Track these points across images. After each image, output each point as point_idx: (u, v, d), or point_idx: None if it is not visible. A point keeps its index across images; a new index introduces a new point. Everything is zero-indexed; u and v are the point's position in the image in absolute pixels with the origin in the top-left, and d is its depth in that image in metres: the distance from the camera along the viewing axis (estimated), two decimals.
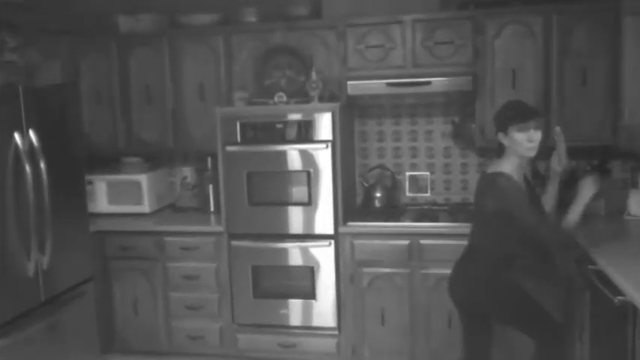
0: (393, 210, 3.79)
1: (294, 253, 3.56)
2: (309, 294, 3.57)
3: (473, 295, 2.73)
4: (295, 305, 3.61)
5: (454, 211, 3.69)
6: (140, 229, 3.76)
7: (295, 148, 3.48)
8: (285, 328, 3.64)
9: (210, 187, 4.02)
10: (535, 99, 3.47)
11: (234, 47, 3.79)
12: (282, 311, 3.62)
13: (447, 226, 3.44)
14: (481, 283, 2.68)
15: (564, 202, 3.73)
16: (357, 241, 3.49)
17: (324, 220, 3.49)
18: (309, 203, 3.49)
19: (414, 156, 4.01)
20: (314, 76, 3.53)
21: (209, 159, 3.98)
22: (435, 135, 3.97)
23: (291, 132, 3.50)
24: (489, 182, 2.65)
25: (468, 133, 3.73)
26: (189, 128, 3.91)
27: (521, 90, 3.47)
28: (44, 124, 2.92)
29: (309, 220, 3.51)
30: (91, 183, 3.89)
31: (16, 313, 2.75)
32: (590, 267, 2.72)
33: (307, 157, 3.47)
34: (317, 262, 3.53)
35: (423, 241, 3.41)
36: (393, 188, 3.95)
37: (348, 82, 3.56)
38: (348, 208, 3.69)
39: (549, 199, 2.84)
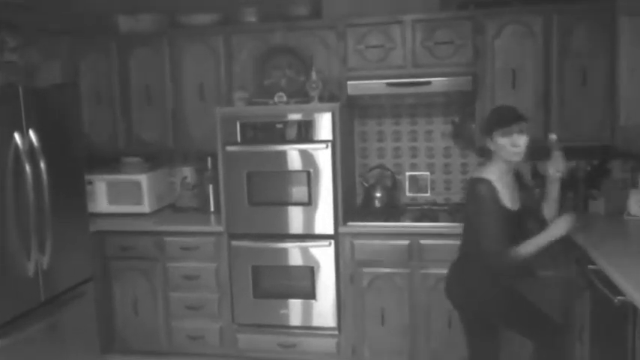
0: (393, 210, 3.79)
1: (294, 253, 3.56)
2: (309, 294, 3.57)
3: (469, 297, 2.72)
4: (295, 305, 3.61)
5: (454, 211, 3.69)
6: (140, 229, 3.76)
7: (295, 148, 3.48)
8: (285, 328, 3.64)
9: (210, 187, 4.03)
10: (535, 99, 3.48)
11: (234, 47, 3.79)
12: (282, 311, 3.62)
13: (447, 226, 3.43)
14: (475, 285, 2.67)
15: (563, 205, 3.76)
16: (357, 241, 3.49)
17: (324, 220, 3.49)
18: (309, 203, 3.49)
19: (414, 156, 4.01)
20: (314, 76, 3.53)
21: (209, 159, 3.99)
22: (435, 135, 3.97)
23: (291, 132, 3.50)
24: (471, 187, 2.67)
25: (468, 133, 3.73)
26: (189, 128, 3.91)
27: (521, 90, 3.48)
28: (44, 124, 2.92)
29: (309, 220, 3.51)
30: (91, 183, 3.90)
31: (16, 313, 2.75)
32: (590, 267, 2.72)
33: (307, 157, 3.47)
34: (317, 262, 3.53)
35: (423, 241, 3.41)
36: (393, 188, 3.95)
37: (348, 82, 3.56)
38: (348, 208, 3.69)
39: (552, 203, 2.83)
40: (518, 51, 3.46)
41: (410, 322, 3.49)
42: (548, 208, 2.83)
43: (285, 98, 3.54)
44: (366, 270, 3.50)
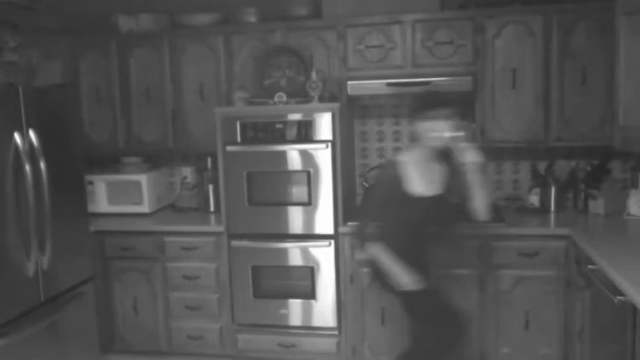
0: None
1: (294, 253, 3.56)
2: (309, 294, 3.57)
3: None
4: (295, 305, 3.61)
5: None
6: (140, 229, 3.76)
7: (295, 148, 3.48)
8: (285, 328, 3.64)
9: (210, 187, 4.03)
10: (535, 99, 3.48)
11: (234, 47, 3.79)
12: (282, 311, 3.62)
13: None
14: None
15: (563, 205, 3.77)
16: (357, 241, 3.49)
17: (324, 220, 3.49)
18: (309, 203, 3.49)
19: None
20: (314, 76, 3.53)
21: (209, 159, 3.99)
22: None
23: (291, 132, 3.50)
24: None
25: (468, 133, 3.73)
26: (189, 128, 3.92)
27: (521, 90, 3.48)
28: (44, 124, 2.92)
29: (309, 220, 3.51)
30: (91, 183, 3.90)
31: (16, 313, 2.75)
32: (590, 267, 2.72)
33: (307, 157, 3.47)
34: (317, 262, 3.53)
35: None
36: None
37: (348, 82, 3.56)
38: (348, 208, 3.68)
39: (476, 193, 2.67)
40: (518, 51, 3.46)
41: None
42: (475, 199, 2.70)
43: (285, 98, 3.54)
44: (366, 270, 3.49)
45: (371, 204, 2.70)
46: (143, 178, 3.95)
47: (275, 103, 3.54)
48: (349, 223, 3.52)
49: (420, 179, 2.64)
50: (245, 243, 3.59)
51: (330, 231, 3.50)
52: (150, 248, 3.74)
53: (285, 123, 3.49)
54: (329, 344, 3.60)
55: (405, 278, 2.63)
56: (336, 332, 3.59)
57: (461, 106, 2.69)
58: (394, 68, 3.59)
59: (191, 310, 3.74)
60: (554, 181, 3.67)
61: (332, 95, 3.62)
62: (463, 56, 3.51)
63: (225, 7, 3.91)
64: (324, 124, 3.45)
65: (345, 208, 3.55)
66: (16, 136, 2.75)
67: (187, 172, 4.22)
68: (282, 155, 3.50)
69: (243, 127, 3.54)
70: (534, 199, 3.69)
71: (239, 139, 3.54)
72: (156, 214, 4.02)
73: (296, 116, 3.49)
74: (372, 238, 2.69)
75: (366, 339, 3.56)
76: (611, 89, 3.29)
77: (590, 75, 3.40)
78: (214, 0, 3.97)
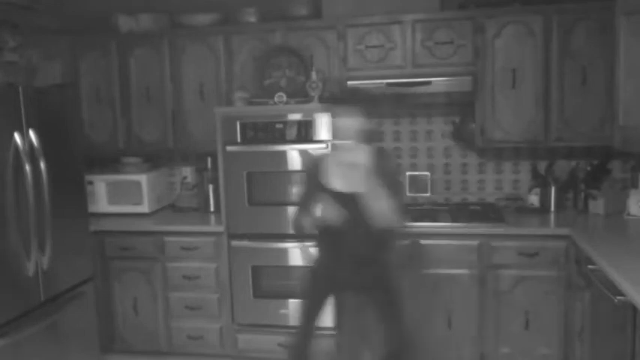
0: None
1: (294, 253, 3.56)
2: None
3: None
4: (295, 305, 3.60)
5: (454, 211, 3.69)
6: (140, 229, 3.76)
7: (295, 148, 3.48)
8: (285, 328, 3.63)
9: (210, 187, 4.02)
10: (535, 99, 3.48)
11: (234, 47, 3.79)
12: (282, 311, 3.62)
13: (447, 226, 3.43)
14: None
15: (563, 205, 3.77)
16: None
17: None
18: None
19: (414, 156, 4.01)
20: (314, 76, 3.53)
21: (209, 159, 3.99)
22: (435, 135, 3.97)
23: (291, 132, 3.50)
24: None
25: (468, 133, 3.73)
26: (189, 128, 3.91)
27: (521, 90, 3.48)
28: (44, 124, 2.92)
29: None
30: (91, 183, 3.90)
31: (16, 313, 2.75)
32: (590, 267, 2.72)
33: (307, 157, 3.47)
34: None
35: (423, 241, 3.41)
36: None
37: (348, 82, 3.56)
38: None
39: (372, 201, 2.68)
40: (518, 51, 3.46)
41: (410, 322, 3.48)
42: (372, 203, 2.65)
43: (285, 98, 3.54)
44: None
45: (300, 195, 2.84)
46: (143, 178, 3.95)
47: (275, 103, 3.54)
48: None
49: (337, 175, 2.65)
50: (245, 243, 3.59)
51: None
52: (150, 248, 3.74)
53: (285, 123, 3.49)
54: (329, 344, 3.60)
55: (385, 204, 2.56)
56: (336, 332, 3.59)
57: (373, 105, 2.70)
58: (394, 68, 3.59)
59: (191, 310, 3.74)
60: (554, 181, 3.67)
61: (332, 95, 3.62)
62: (463, 56, 3.51)
63: (225, 7, 3.91)
64: (324, 124, 3.45)
65: None
66: (16, 136, 2.75)
67: (187, 172, 4.22)
68: (282, 155, 3.50)
69: (243, 127, 3.54)
70: (534, 199, 3.69)
71: (239, 139, 3.54)
72: (156, 214, 4.02)
73: (296, 116, 3.49)
74: (300, 219, 2.73)
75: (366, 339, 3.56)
76: (611, 89, 3.29)
77: (590, 75, 3.40)
78: (214, 0, 3.97)
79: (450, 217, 3.59)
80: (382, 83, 3.51)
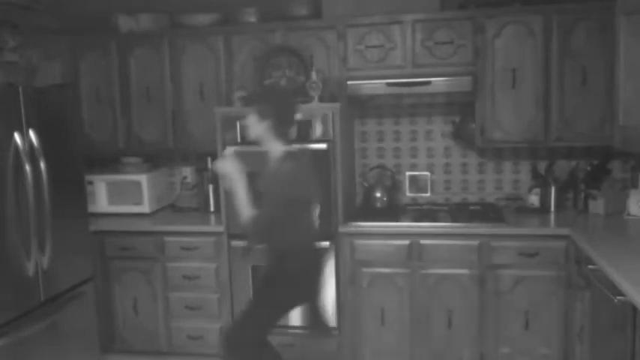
0: (393, 210, 3.79)
1: None
2: None
3: None
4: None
5: (454, 211, 3.70)
6: (140, 229, 3.76)
7: (295, 148, 3.47)
8: (285, 328, 3.63)
9: (210, 187, 4.02)
10: (535, 99, 3.48)
11: (234, 47, 3.79)
12: None
13: (447, 226, 3.43)
14: None
15: (563, 205, 3.77)
16: (357, 241, 3.49)
17: (324, 220, 3.49)
18: None
19: (414, 156, 4.01)
20: (314, 76, 3.53)
21: (209, 159, 3.98)
22: (435, 135, 3.97)
23: (291, 132, 3.49)
24: None
25: (468, 133, 3.73)
26: (189, 128, 3.91)
27: (521, 90, 3.48)
28: (44, 124, 2.92)
29: None
30: (91, 183, 3.90)
31: (16, 313, 2.75)
32: (590, 267, 2.72)
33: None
34: None
35: (423, 241, 3.41)
36: (393, 188, 3.96)
37: (348, 82, 3.55)
38: (348, 208, 3.69)
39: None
40: (518, 51, 3.46)
41: (410, 322, 3.49)
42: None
43: None
44: (366, 270, 3.50)
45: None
46: (143, 178, 3.95)
47: None
48: (349, 223, 3.53)
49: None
50: (245, 243, 3.58)
51: (330, 231, 3.49)
52: (150, 248, 3.74)
53: None
54: (329, 344, 3.60)
55: (247, 210, 2.66)
56: (336, 332, 3.59)
57: (273, 104, 2.72)
58: (394, 68, 3.59)
59: (191, 310, 3.74)
60: (554, 181, 3.67)
61: (332, 95, 3.62)
62: (463, 56, 3.51)
63: (225, 7, 3.92)
64: (324, 125, 3.45)
65: (345, 208, 3.55)
66: (16, 136, 2.74)
67: (187, 172, 4.22)
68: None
69: (243, 127, 3.53)
70: (534, 199, 3.69)
71: (239, 139, 3.54)
72: (156, 214, 4.02)
73: (296, 116, 3.48)
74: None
75: (366, 339, 3.56)
76: (611, 89, 3.29)
77: (590, 75, 3.40)
78: (214, 0, 3.97)
79: (450, 217, 3.59)
80: (382, 83, 3.51)
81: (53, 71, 3.79)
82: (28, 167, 2.76)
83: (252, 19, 3.82)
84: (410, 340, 3.50)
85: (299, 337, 3.62)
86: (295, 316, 3.60)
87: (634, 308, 2.21)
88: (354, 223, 3.53)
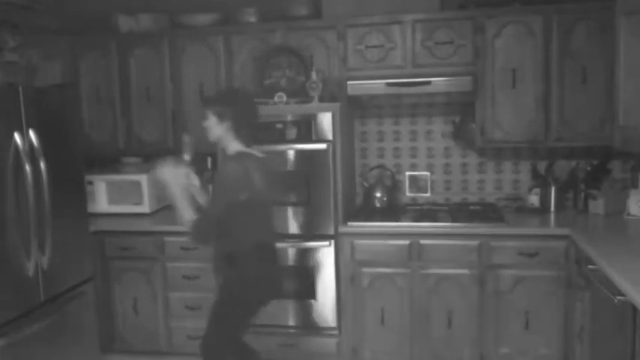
0: (393, 210, 3.79)
1: (294, 253, 3.56)
2: (309, 294, 3.56)
3: None
4: (295, 305, 3.61)
5: (454, 211, 3.70)
6: (140, 229, 3.75)
7: (295, 148, 3.48)
8: (285, 328, 3.64)
9: (210, 187, 4.02)
10: (535, 99, 3.48)
11: (234, 47, 3.79)
12: (282, 311, 3.62)
13: (447, 226, 3.43)
14: None
15: (563, 205, 3.77)
16: (357, 241, 3.49)
17: (324, 220, 3.49)
18: (309, 203, 3.49)
19: (413, 156, 4.01)
20: (314, 76, 3.53)
21: (209, 159, 3.98)
22: (435, 135, 3.97)
23: (291, 132, 3.50)
24: None
25: (468, 133, 3.73)
26: (189, 128, 3.91)
27: (521, 90, 3.48)
28: (44, 124, 2.92)
29: (309, 220, 3.51)
30: (91, 183, 3.90)
31: (16, 313, 2.75)
32: (590, 267, 2.72)
33: (307, 157, 3.47)
34: (317, 262, 3.53)
35: (423, 241, 3.41)
36: (393, 188, 3.96)
37: (348, 82, 3.55)
38: (348, 208, 3.69)
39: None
40: (518, 51, 3.46)
41: (410, 322, 3.49)
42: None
43: (285, 98, 3.54)
44: (366, 270, 3.50)
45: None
46: (143, 178, 3.95)
47: (275, 103, 3.54)
48: (349, 223, 3.53)
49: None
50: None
51: (330, 231, 3.50)
52: (150, 248, 3.74)
53: (285, 123, 3.49)
54: (329, 344, 3.60)
55: (186, 214, 2.68)
56: (336, 332, 3.59)
57: (223, 106, 2.73)
58: (394, 68, 3.60)
59: (191, 310, 3.73)
60: (554, 181, 3.67)
61: (332, 95, 3.62)
62: (463, 56, 3.51)
63: (225, 7, 3.92)
64: (324, 124, 3.45)
65: (345, 208, 3.55)
66: (16, 136, 2.74)
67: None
68: (282, 155, 3.50)
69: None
70: (534, 199, 3.69)
71: None
72: (156, 214, 4.02)
73: (296, 116, 3.49)
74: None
75: (366, 339, 3.56)
76: (611, 89, 3.29)
77: (590, 75, 3.40)
78: (214, 0, 3.97)
79: (450, 217, 3.59)
80: (382, 83, 3.51)
81: (53, 71, 3.79)
82: (28, 167, 2.76)
83: (252, 19, 3.82)
84: (410, 340, 3.50)
85: (299, 337, 3.63)
86: (295, 316, 3.61)
87: (634, 308, 2.21)
88: (354, 223, 3.53)
